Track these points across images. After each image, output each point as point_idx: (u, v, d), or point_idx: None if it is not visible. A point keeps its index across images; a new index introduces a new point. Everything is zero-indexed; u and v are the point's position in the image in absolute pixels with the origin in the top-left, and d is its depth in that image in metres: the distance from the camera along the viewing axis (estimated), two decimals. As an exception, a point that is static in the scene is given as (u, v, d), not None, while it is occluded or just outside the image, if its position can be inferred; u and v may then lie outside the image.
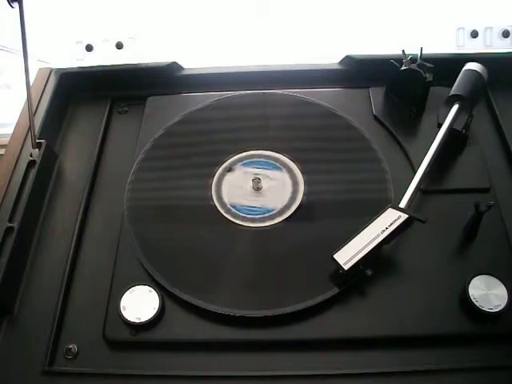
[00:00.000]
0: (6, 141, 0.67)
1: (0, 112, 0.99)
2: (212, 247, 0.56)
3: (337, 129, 0.66)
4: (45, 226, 0.60)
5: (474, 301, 0.48)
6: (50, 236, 0.59)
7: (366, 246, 0.50)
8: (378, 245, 0.51)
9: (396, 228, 0.51)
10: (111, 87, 0.73)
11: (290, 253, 0.55)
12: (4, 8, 0.60)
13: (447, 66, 0.62)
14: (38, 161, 0.61)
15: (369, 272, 0.50)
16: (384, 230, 0.51)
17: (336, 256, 0.51)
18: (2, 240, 0.54)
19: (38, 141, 0.63)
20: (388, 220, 0.52)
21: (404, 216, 0.52)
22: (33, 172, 0.61)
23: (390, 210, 0.53)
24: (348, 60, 0.72)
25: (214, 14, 0.74)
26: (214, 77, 0.73)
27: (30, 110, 0.62)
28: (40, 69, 0.75)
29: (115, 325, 0.50)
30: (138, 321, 0.49)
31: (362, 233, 0.52)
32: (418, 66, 0.63)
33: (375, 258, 0.51)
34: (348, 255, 0.50)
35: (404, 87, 0.65)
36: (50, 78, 0.73)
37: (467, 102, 0.60)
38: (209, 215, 0.58)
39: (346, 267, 0.50)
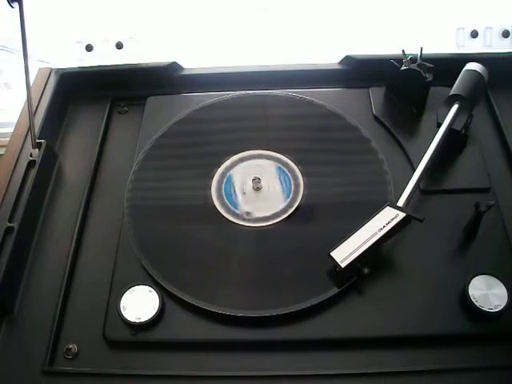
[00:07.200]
0: (5, 141, 0.67)
1: (0, 112, 0.99)
2: (212, 247, 0.56)
3: (337, 129, 0.66)
4: (45, 226, 0.60)
5: (473, 301, 0.48)
6: (49, 236, 0.59)
7: (363, 245, 0.50)
8: (375, 243, 0.51)
9: (393, 227, 0.51)
10: (111, 87, 0.73)
11: (289, 253, 0.55)
12: (4, 8, 0.60)
13: (447, 66, 0.62)
14: (38, 161, 0.61)
15: (366, 270, 0.50)
16: (381, 229, 0.51)
17: (333, 254, 0.51)
18: (1, 240, 0.54)
19: (38, 141, 0.63)
20: (385, 218, 0.52)
21: (401, 215, 0.52)
22: (33, 172, 0.61)
23: (387, 208, 0.53)
24: (348, 60, 0.72)
25: (213, 13, 0.74)
26: (214, 77, 0.73)
27: (30, 110, 0.62)
28: (40, 69, 0.75)
29: (115, 325, 0.50)
30: (137, 321, 0.49)
31: (359, 231, 0.51)
32: (418, 66, 0.63)
33: (373, 256, 0.51)
34: (345, 253, 0.50)
35: (404, 87, 0.65)
36: (50, 78, 0.73)
37: (467, 101, 0.60)
38: (209, 215, 0.58)
39: (342, 265, 0.50)
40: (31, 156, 0.62)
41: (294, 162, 0.62)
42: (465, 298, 0.49)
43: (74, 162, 0.67)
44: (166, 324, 0.50)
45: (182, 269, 0.54)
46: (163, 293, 0.52)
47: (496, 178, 0.60)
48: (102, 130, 0.69)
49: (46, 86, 0.72)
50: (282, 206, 0.58)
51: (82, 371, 0.49)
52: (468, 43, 0.72)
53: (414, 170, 0.57)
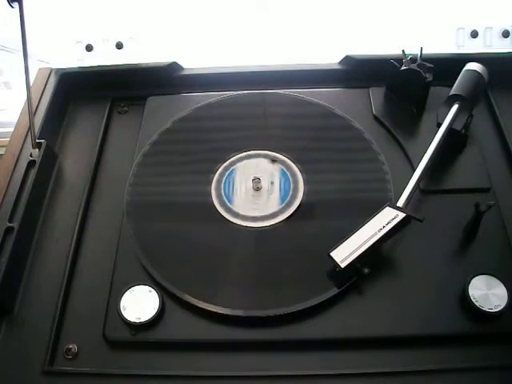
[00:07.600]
0: (5, 141, 0.67)
1: (0, 112, 0.99)
2: (212, 247, 0.56)
3: (337, 129, 0.66)
4: (45, 226, 0.60)
5: (473, 301, 0.48)
6: (49, 236, 0.59)
7: (362, 245, 0.50)
8: (374, 243, 0.51)
9: (393, 227, 0.51)
10: (111, 87, 0.73)
11: (290, 253, 0.55)
12: (4, 8, 0.60)
13: (447, 66, 0.62)
14: (38, 161, 0.61)
15: (366, 270, 0.50)
16: (381, 229, 0.51)
17: (333, 254, 0.51)
18: (1, 240, 0.54)
19: (38, 141, 0.63)
20: (385, 219, 0.52)
21: (401, 215, 0.52)
22: (33, 172, 0.61)
23: (387, 208, 0.53)
24: (348, 60, 0.72)
25: (213, 13, 0.74)
26: (214, 77, 0.73)
27: (30, 110, 0.62)
28: (40, 69, 0.75)
29: (115, 325, 0.50)
30: (138, 321, 0.49)
31: (359, 231, 0.51)
32: (418, 66, 0.63)
33: (373, 257, 0.51)
34: (345, 253, 0.50)
35: (404, 87, 0.65)
36: (50, 78, 0.73)
37: (467, 101, 0.60)
38: (209, 215, 0.58)
39: (342, 265, 0.50)
40: (31, 156, 0.62)
41: (293, 161, 0.62)
42: (465, 297, 0.49)
43: (74, 162, 0.67)
44: (166, 324, 0.50)
45: (181, 269, 0.54)
46: (163, 293, 0.52)
47: (496, 178, 0.60)
48: (101, 129, 0.69)
49: (46, 86, 0.72)
50: (281, 205, 0.58)
51: (81, 371, 0.49)
52: (468, 43, 0.72)
53: (414, 170, 0.57)
